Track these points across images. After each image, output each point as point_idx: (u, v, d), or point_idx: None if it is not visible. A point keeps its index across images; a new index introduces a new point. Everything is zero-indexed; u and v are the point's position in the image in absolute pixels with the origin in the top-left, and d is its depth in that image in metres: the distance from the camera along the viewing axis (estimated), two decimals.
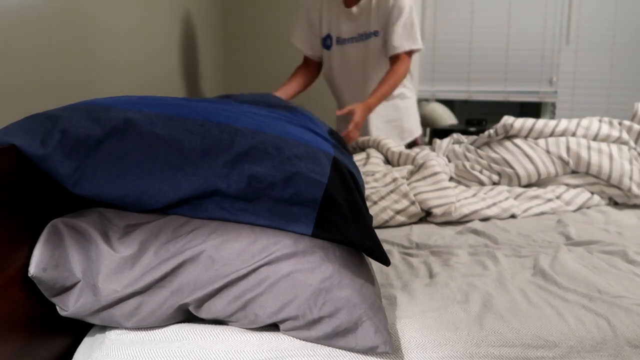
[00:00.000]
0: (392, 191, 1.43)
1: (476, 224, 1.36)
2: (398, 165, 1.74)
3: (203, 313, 0.73)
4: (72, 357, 0.76)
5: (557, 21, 3.29)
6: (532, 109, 3.70)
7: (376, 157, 1.75)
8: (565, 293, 0.88)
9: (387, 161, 1.80)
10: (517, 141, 1.66)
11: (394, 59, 1.97)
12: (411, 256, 1.13)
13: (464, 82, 3.40)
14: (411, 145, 2.17)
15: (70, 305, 0.73)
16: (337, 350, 0.71)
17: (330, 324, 0.69)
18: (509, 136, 1.69)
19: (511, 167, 1.62)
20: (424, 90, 3.43)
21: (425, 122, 3.39)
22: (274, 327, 0.75)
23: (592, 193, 1.58)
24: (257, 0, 2.88)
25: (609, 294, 0.87)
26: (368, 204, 1.41)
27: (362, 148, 1.91)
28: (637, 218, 1.42)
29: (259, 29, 2.90)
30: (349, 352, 0.71)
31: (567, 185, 1.60)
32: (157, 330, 0.74)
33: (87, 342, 0.76)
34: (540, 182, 1.64)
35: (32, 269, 0.69)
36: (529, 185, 1.65)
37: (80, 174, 0.74)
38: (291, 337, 0.73)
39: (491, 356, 0.72)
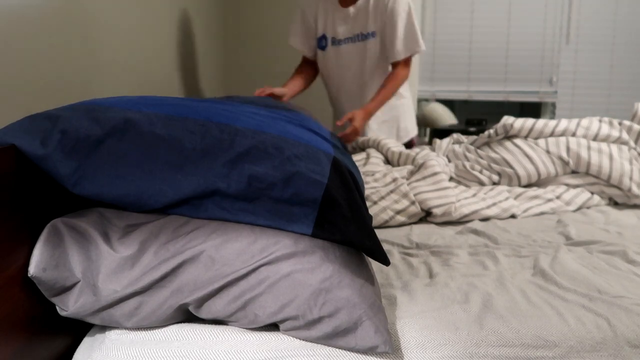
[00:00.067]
0: (392, 191, 1.43)
1: (476, 224, 1.36)
2: (398, 165, 1.74)
3: (203, 313, 0.73)
4: (72, 357, 0.76)
5: (557, 21, 3.29)
6: (532, 109, 3.70)
7: (376, 157, 1.75)
8: (565, 293, 0.88)
9: (387, 161, 1.80)
10: (517, 141, 1.66)
11: (395, 64, 1.98)
12: (411, 256, 1.13)
13: (464, 82, 3.41)
14: (407, 145, 2.16)
15: (70, 305, 0.73)
16: (337, 350, 0.71)
17: (330, 324, 0.69)
18: (509, 136, 1.69)
19: (511, 167, 1.62)
20: (424, 90, 3.43)
21: (425, 122, 3.40)
22: (274, 327, 0.75)
23: (592, 193, 1.58)
24: (257, 0, 2.88)
25: (609, 294, 0.87)
26: (368, 204, 1.41)
27: (362, 148, 1.91)
28: (637, 218, 1.42)
29: (259, 29, 2.90)
30: (349, 352, 0.71)
31: (567, 185, 1.60)
32: (157, 330, 0.74)
33: (87, 342, 0.76)
34: (540, 182, 1.64)
35: (32, 269, 0.69)
36: (529, 185, 1.65)
37: (80, 174, 0.74)
38: (291, 337, 0.73)
39: (491, 356, 0.73)
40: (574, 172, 1.63)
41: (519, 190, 1.57)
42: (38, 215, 0.74)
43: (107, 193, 0.74)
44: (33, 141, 0.73)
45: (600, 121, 1.70)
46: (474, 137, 1.82)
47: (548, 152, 1.62)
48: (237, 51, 2.91)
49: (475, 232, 1.30)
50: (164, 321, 0.74)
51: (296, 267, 0.71)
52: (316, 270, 0.71)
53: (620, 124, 1.70)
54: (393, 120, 2.14)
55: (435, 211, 1.39)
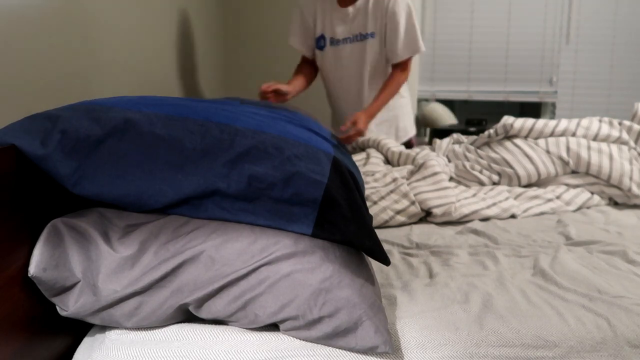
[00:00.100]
0: (392, 191, 1.43)
1: (476, 224, 1.36)
2: (398, 165, 1.74)
3: (203, 313, 0.73)
4: (72, 357, 0.76)
5: (557, 21, 3.29)
6: (532, 109, 3.70)
7: (376, 157, 1.75)
8: (565, 293, 0.88)
9: (387, 161, 1.80)
10: (517, 141, 1.66)
11: (396, 65, 1.99)
12: (411, 256, 1.13)
13: (464, 82, 3.41)
14: (406, 144, 2.16)
15: (70, 305, 0.73)
16: (337, 350, 0.71)
17: (330, 324, 0.69)
18: (509, 136, 1.69)
19: (511, 167, 1.62)
20: (424, 90, 3.43)
21: (425, 122, 3.40)
22: (274, 327, 0.75)
23: (592, 193, 1.58)
24: (257, 0, 2.88)
25: (609, 294, 0.87)
26: (368, 204, 1.41)
27: (362, 148, 1.91)
28: (637, 218, 1.42)
29: (259, 29, 2.89)
30: (349, 352, 0.71)
31: (567, 185, 1.60)
32: (157, 330, 0.74)
33: (87, 342, 0.76)
34: (540, 182, 1.64)
35: (32, 269, 0.69)
36: (529, 185, 1.65)
37: (80, 174, 0.74)
38: (291, 337, 0.73)
39: (491, 356, 0.73)
40: (574, 172, 1.63)
41: (519, 190, 1.57)
42: (38, 215, 0.74)
43: (107, 193, 0.74)
44: (33, 141, 0.73)
45: (600, 121, 1.70)
46: (474, 137, 1.82)
47: (548, 152, 1.62)
48: (237, 51, 2.91)
49: (475, 232, 1.30)
50: (164, 321, 0.74)
51: (296, 267, 0.71)
52: (316, 270, 0.71)
53: (620, 124, 1.70)
54: (392, 120, 2.14)
55: (435, 211, 1.39)
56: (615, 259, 1.06)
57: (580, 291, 0.88)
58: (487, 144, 1.73)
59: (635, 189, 1.53)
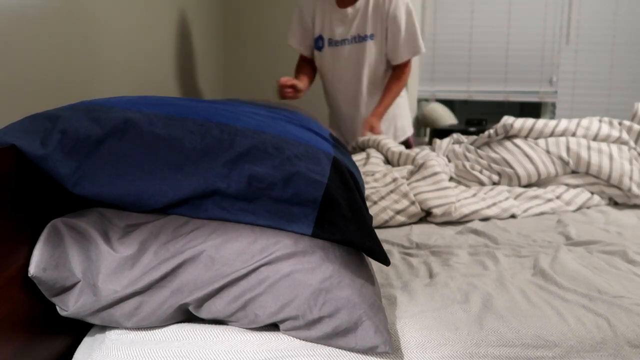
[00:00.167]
0: (392, 191, 1.43)
1: (476, 224, 1.36)
2: (398, 165, 1.74)
3: (203, 313, 0.73)
4: (72, 357, 0.76)
5: (557, 21, 3.29)
6: (532, 109, 3.70)
7: (376, 157, 1.75)
8: (565, 293, 0.88)
9: (387, 161, 1.80)
10: (517, 141, 1.66)
11: (397, 66, 2.00)
12: (411, 256, 1.13)
13: (464, 82, 3.41)
14: (404, 143, 2.17)
15: (70, 305, 0.73)
16: (337, 350, 0.71)
17: (330, 324, 0.69)
18: (509, 136, 1.69)
19: (511, 167, 1.62)
20: (424, 90, 3.43)
21: (425, 122, 3.40)
22: (274, 327, 0.75)
23: (592, 193, 1.58)
24: (257, 0, 2.88)
25: (609, 294, 0.87)
26: (368, 204, 1.41)
27: (362, 148, 1.91)
28: (637, 218, 1.42)
29: (259, 29, 2.90)
30: (349, 352, 0.71)
31: (567, 185, 1.60)
32: (157, 330, 0.74)
33: (87, 342, 0.76)
34: (540, 182, 1.64)
35: (32, 269, 0.69)
36: (529, 185, 1.65)
37: (80, 174, 0.74)
38: (291, 337, 0.73)
39: (491, 356, 0.73)
40: (574, 172, 1.63)
41: (519, 190, 1.57)
42: (38, 215, 0.74)
43: (107, 193, 0.74)
44: (33, 141, 0.73)
45: (600, 121, 1.70)
46: (474, 137, 1.82)
47: (548, 152, 1.62)
48: (237, 51, 2.91)
49: (475, 232, 1.30)
50: (164, 321, 0.74)
51: (296, 267, 0.71)
52: (316, 270, 0.71)
53: (620, 124, 1.70)
54: (390, 120, 2.15)
55: (435, 211, 1.39)
56: (615, 259, 1.06)
57: (580, 291, 0.88)
58: (487, 144, 1.73)
59: (635, 189, 1.53)
